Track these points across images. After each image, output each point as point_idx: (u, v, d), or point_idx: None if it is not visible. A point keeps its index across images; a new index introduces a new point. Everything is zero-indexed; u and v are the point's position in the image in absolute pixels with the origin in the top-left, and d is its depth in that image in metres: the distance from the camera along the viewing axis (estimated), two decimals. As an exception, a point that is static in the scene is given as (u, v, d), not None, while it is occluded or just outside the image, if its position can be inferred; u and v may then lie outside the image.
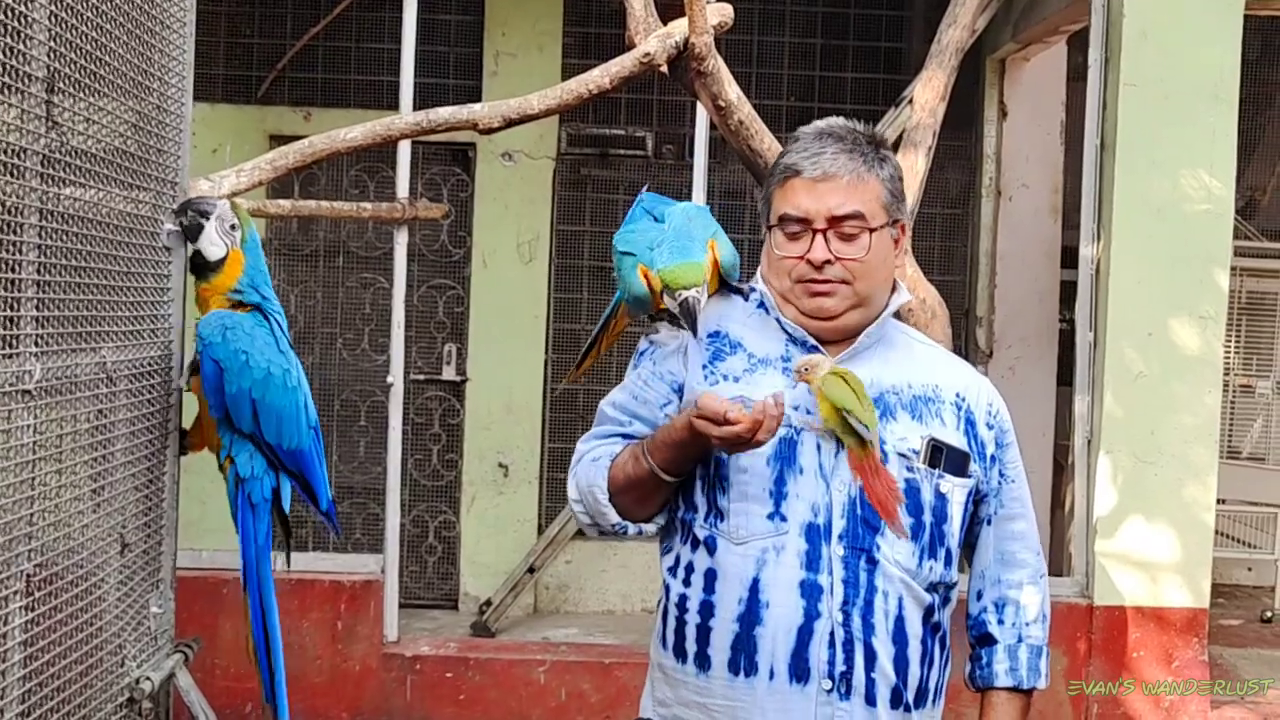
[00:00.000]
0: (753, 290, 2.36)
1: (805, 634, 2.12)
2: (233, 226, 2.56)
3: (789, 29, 7.05)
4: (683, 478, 2.20)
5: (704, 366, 2.25)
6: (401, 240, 5.28)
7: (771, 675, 2.11)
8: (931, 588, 2.23)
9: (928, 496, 2.24)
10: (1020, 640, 2.33)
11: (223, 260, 2.54)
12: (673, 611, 2.21)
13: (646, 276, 2.28)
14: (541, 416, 6.91)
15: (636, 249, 2.34)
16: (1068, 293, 6.51)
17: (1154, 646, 5.29)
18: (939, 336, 4.30)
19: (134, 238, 2.21)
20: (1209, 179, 5.27)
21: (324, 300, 6.92)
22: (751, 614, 2.12)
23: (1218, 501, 5.51)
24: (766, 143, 3.92)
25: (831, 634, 2.12)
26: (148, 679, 2.21)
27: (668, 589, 2.24)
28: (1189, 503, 5.32)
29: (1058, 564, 6.41)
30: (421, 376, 6.94)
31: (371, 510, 6.77)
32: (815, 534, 2.14)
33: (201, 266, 2.58)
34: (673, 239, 2.29)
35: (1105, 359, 5.30)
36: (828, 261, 2.23)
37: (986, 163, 6.88)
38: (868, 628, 2.15)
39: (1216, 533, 5.60)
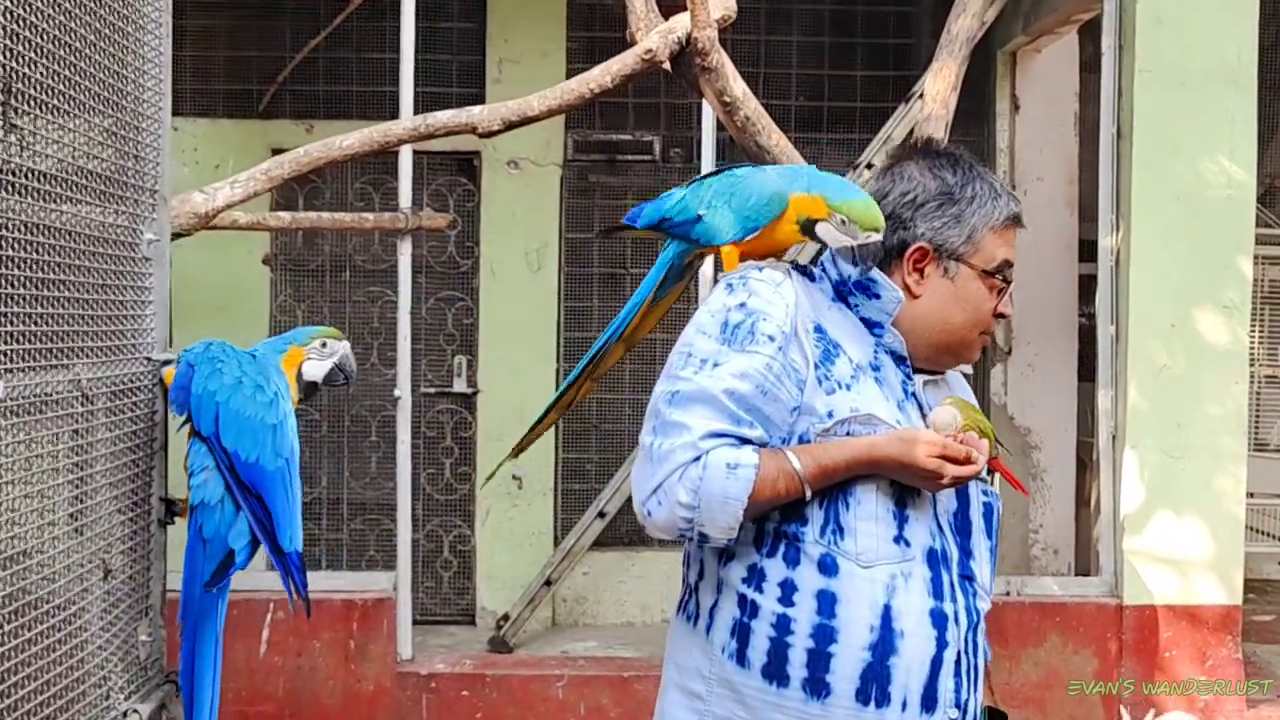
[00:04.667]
0: (822, 275, 2.19)
1: (937, 664, 2.04)
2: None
3: (796, 27, 6.96)
4: None
5: (816, 366, 2.04)
6: (405, 251, 5.19)
7: (904, 706, 2.02)
8: None
9: (995, 519, 2.22)
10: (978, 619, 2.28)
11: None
12: (763, 630, 2.02)
13: (804, 200, 2.12)
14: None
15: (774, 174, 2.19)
16: (1086, 287, 6.41)
17: (1187, 645, 5.17)
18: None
19: (110, 248, 2.10)
20: (1229, 165, 5.18)
21: (331, 315, 6.83)
22: (886, 643, 2.01)
23: (1246, 494, 5.41)
24: (774, 139, 3.81)
25: (957, 662, 2.06)
26: (135, 711, 2.10)
27: (749, 603, 2.03)
28: (1219, 496, 5.21)
29: (1085, 563, 6.32)
30: (432, 390, 6.85)
31: (385, 526, 6.68)
32: (935, 560, 2.06)
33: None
34: (811, 173, 2.19)
35: (1128, 352, 5.21)
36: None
37: (1000, 157, 6.78)
38: (977, 652, 2.12)
39: (1245, 526, 5.49)
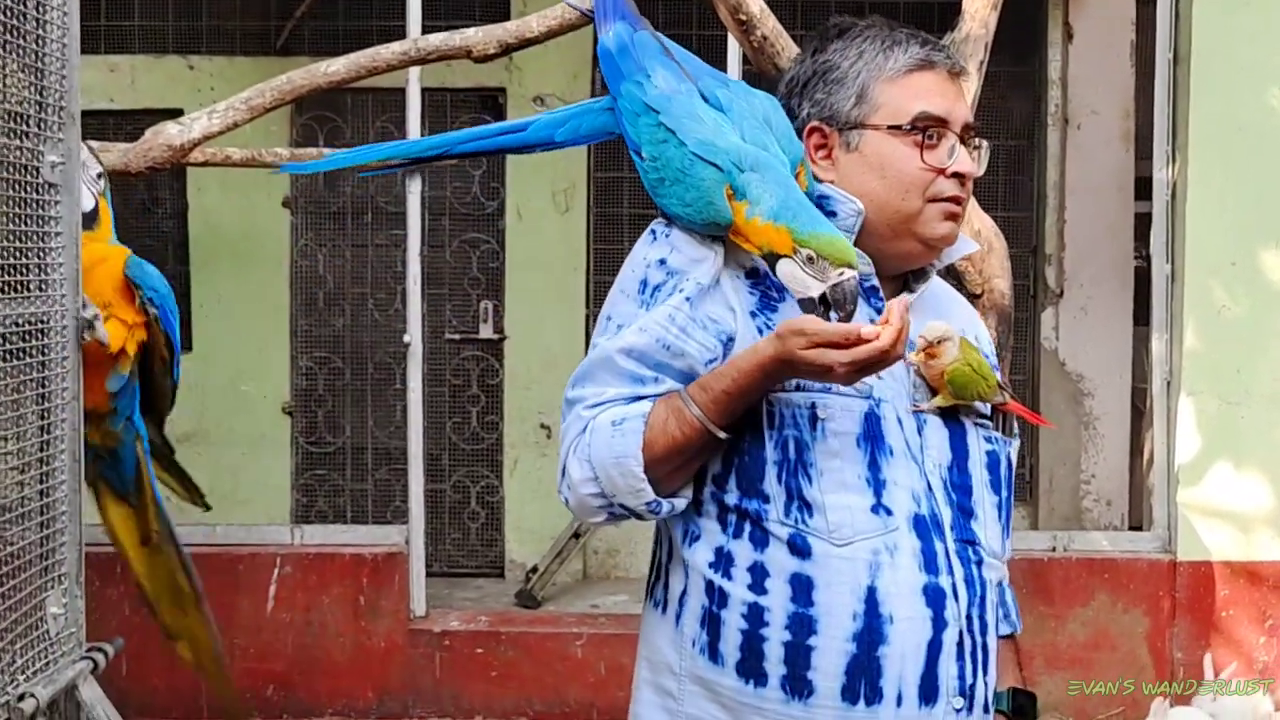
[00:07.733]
0: None
1: (935, 649, 1.75)
2: (99, 175, 2.32)
3: (836, -48, 6.64)
4: (736, 433, 1.76)
5: (753, 315, 1.78)
6: (414, 190, 4.94)
7: (899, 701, 1.74)
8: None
9: (1004, 469, 1.90)
10: (1002, 584, 1.97)
11: (95, 212, 2.33)
12: (734, 622, 1.76)
13: (768, 229, 1.72)
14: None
15: (719, 159, 1.77)
16: (1143, 226, 6.11)
17: (1245, 605, 4.88)
18: (996, 271, 3.90)
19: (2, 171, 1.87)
20: (1297, 91, 4.84)
21: (353, 259, 6.64)
22: (873, 631, 1.73)
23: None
24: (795, 61, 3.51)
25: (959, 644, 1.78)
26: (32, 695, 1.88)
27: (716, 590, 1.77)
28: (1281, 447, 4.89)
29: (1136, 517, 6.04)
30: (457, 336, 6.65)
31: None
32: (924, 527, 1.77)
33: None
34: (786, 187, 1.75)
35: (1185, 293, 4.90)
36: (960, 176, 1.84)
37: (1052, 89, 6.46)
38: (984, 629, 1.82)
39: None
